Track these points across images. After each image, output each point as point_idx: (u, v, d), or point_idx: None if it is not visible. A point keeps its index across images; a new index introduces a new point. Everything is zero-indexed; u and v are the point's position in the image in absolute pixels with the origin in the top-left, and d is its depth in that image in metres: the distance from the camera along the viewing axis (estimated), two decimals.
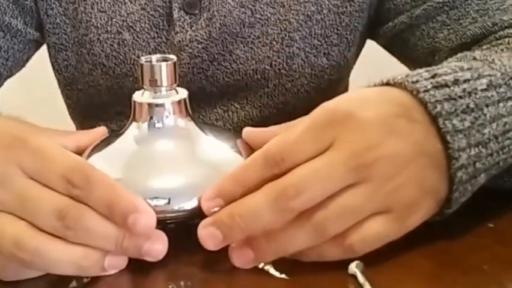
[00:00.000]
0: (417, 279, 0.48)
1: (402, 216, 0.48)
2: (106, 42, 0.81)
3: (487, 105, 0.48)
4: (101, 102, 0.85)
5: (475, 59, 0.54)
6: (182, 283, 0.48)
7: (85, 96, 0.85)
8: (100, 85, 0.83)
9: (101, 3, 0.80)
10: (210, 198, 0.48)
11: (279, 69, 0.82)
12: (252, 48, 0.81)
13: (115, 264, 0.48)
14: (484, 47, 0.73)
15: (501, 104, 0.49)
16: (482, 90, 0.49)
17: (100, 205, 0.46)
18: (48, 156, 0.47)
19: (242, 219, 0.46)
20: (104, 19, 0.81)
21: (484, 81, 0.50)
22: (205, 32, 0.79)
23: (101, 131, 0.58)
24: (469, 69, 0.50)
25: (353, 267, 0.47)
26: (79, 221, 0.45)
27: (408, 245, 0.50)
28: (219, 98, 0.83)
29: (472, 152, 0.48)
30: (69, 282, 0.48)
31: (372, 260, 0.48)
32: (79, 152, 0.54)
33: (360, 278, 0.47)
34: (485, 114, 0.48)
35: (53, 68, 0.86)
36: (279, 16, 0.81)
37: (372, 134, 0.47)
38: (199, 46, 0.79)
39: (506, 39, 0.71)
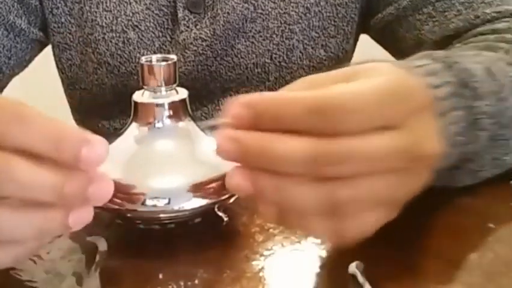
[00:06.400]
0: (417, 279, 0.48)
1: (399, 207, 0.45)
2: (111, 41, 0.82)
3: (443, 114, 0.48)
4: (105, 101, 0.85)
5: (435, 60, 0.52)
6: (182, 283, 0.48)
7: (89, 95, 0.86)
8: (104, 84, 0.83)
9: (106, 2, 0.81)
10: (244, 104, 0.42)
11: (279, 62, 0.83)
12: (253, 42, 0.82)
13: (79, 219, 0.42)
14: (457, 45, 0.73)
15: (452, 113, 0.48)
16: (442, 99, 0.48)
17: (40, 141, 0.39)
18: None
19: (267, 152, 0.41)
20: (109, 18, 0.81)
21: (444, 90, 0.48)
22: (210, 30, 0.80)
23: None
24: (434, 74, 0.49)
25: (353, 267, 0.47)
26: (5, 172, 0.39)
27: (408, 245, 0.50)
28: (222, 94, 0.84)
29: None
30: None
31: (372, 260, 0.48)
32: None
33: (360, 278, 0.46)
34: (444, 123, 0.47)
35: (57, 68, 0.87)
36: (279, 10, 0.82)
37: (433, 130, 0.44)
38: (204, 44, 0.80)
39: (482, 37, 0.71)
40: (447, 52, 0.54)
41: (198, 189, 0.50)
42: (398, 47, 0.85)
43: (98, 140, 0.40)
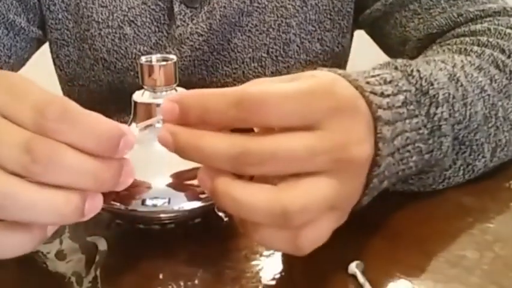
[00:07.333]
0: (417, 279, 0.48)
1: (346, 211, 0.46)
2: (107, 37, 0.81)
3: (396, 121, 0.48)
4: (102, 98, 0.85)
5: (396, 68, 0.53)
6: (182, 283, 0.48)
7: (86, 92, 0.86)
8: (101, 80, 0.83)
9: None
10: (172, 100, 0.44)
11: (275, 56, 0.83)
12: (249, 36, 0.82)
13: (93, 207, 0.42)
14: (434, 47, 0.73)
15: (407, 121, 0.49)
16: (397, 106, 0.48)
17: (85, 136, 0.41)
18: (19, 88, 0.41)
19: (196, 149, 0.42)
20: (105, 14, 0.81)
21: (401, 97, 0.49)
22: (206, 25, 0.80)
23: None
24: (390, 82, 0.50)
25: (353, 267, 0.47)
26: (50, 156, 0.39)
27: (408, 245, 0.50)
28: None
29: (387, 161, 0.47)
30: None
31: (372, 260, 0.48)
32: None
33: (360, 278, 0.47)
34: (394, 129, 0.48)
35: (55, 64, 0.87)
36: (275, 3, 0.82)
37: (361, 132, 0.45)
38: (200, 39, 0.80)
39: (459, 40, 0.71)
40: (409, 61, 0.54)
41: (198, 189, 0.50)
42: (385, 42, 0.85)
43: (129, 130, 0.42)
